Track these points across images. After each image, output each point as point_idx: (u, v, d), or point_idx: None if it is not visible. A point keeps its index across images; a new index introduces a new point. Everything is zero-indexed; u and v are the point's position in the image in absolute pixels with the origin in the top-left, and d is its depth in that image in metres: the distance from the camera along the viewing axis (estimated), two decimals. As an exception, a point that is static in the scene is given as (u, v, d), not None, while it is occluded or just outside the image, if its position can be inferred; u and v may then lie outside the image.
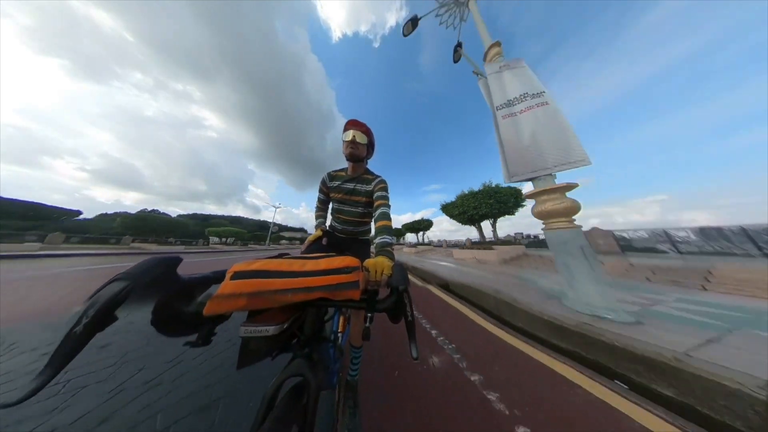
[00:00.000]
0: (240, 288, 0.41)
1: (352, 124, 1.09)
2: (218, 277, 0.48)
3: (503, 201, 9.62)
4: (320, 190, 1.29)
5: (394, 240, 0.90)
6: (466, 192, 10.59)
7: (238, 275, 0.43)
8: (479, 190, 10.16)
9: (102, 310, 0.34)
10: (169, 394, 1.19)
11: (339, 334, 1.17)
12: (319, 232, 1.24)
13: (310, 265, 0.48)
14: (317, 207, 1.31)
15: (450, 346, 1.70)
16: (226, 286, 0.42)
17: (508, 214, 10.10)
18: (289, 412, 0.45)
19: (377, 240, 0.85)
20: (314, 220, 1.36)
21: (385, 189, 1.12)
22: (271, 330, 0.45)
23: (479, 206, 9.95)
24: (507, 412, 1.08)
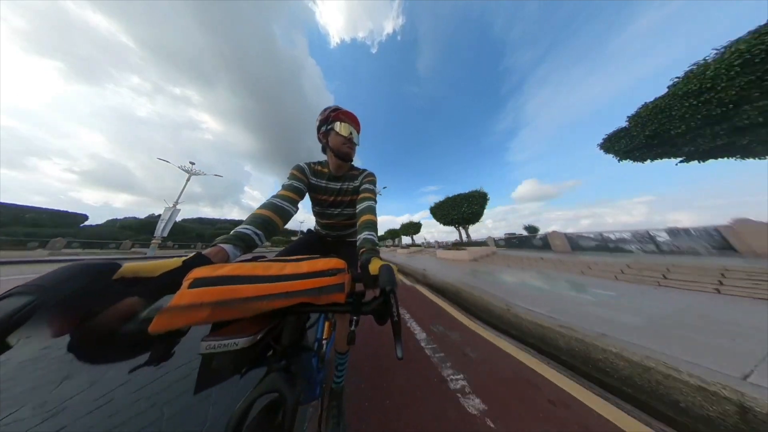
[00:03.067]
0: (201, 297, 0.35)
1: (348, 117, 0.90)
2: (171, 285, 0.39)
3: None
4: (296, 178, 0.94)
5: (376, 238, 0.77)
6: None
7: (199, 282, 0.37)
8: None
9: None
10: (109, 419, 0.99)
11: (324, 342, 1.12)
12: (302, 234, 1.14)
13: (290, 268, 0.43)
14: (282, 195, 0.85)
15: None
16: (183, 295, 0.35)
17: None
18: None
19: (361, 236, 0.75)
20: (312, 218, 1.17)
21: (373, 183, 1.01)
22: (240, 342, 0.39)
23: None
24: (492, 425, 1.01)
